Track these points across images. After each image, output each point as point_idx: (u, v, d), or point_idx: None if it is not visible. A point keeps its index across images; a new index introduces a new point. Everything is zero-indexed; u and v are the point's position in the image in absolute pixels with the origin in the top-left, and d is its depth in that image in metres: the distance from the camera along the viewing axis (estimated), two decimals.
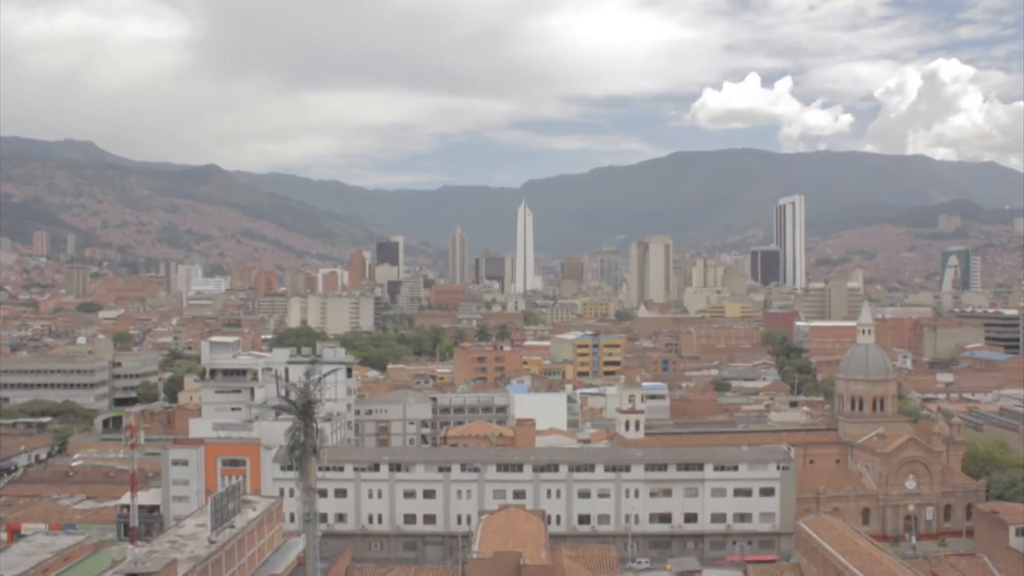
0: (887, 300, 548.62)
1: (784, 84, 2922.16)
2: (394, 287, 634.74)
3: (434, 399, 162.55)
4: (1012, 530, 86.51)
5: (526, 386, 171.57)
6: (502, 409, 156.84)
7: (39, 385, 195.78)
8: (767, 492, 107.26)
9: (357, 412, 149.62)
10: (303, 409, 59.51)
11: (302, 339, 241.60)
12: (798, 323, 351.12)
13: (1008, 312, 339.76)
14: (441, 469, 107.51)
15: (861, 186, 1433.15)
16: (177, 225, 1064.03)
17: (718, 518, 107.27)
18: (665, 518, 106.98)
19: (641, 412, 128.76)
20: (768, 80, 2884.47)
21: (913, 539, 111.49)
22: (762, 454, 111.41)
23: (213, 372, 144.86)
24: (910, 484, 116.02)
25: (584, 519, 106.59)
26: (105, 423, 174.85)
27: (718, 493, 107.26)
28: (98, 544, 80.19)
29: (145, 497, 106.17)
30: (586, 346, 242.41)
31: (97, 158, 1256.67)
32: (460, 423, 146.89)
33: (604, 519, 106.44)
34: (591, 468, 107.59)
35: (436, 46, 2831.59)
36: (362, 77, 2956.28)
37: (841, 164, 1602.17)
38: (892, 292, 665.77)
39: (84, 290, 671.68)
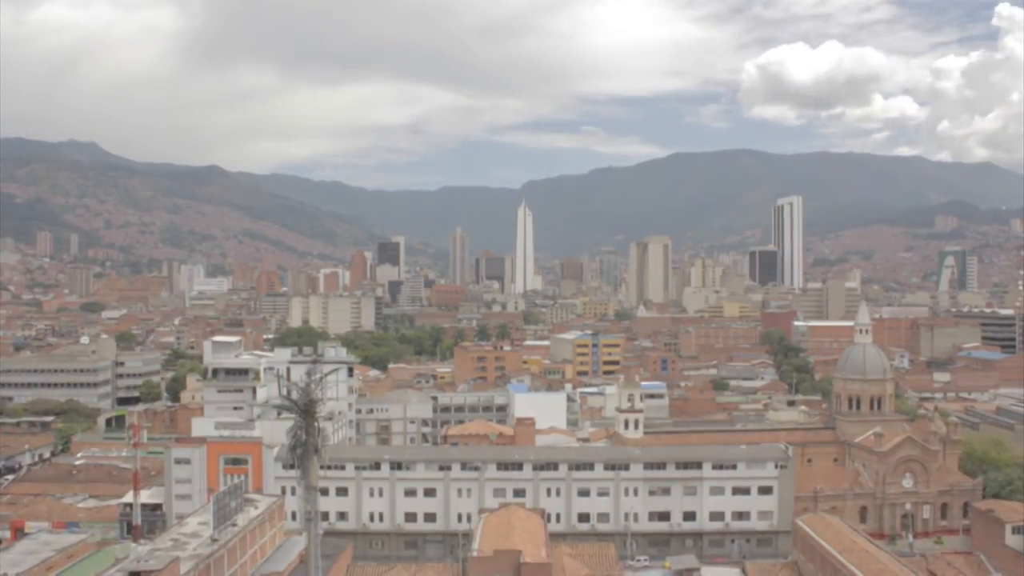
0: (884, 300, 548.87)
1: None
2: (395, 287, 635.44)
3: (435, 398, 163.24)
4: (1008, 528, 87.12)
5: (526, 385, 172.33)
6: (502, 408, 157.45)
7: (43, 384, 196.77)
8: (765, 491, 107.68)
9: (358, 411, 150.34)
10: (305, 408, 59.87)
11: (304, 339, 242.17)
12: (796, 323, 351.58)
13: (1004, 312, 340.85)
14: (441, 468, 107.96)
15: (859, 187, 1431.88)
16: (180, 225, 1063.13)
17: (716, 516, 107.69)
18: (664, 516, 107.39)
19: (640, 411, 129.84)
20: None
21: (910, 537, 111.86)
22: (760, 453, 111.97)
23: (215, 371, 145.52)
24: (907, 483, 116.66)
25: (583, 517, 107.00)
26: (108, 422, 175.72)
27: (716, 492, 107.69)
28: (101, 542, 79.88)
29: (148, 495, 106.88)
30: (586, 346, 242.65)
31: (100, 159, 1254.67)
32: (460, 422, 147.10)
33: (603, 517, 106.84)
34: (590, 467, 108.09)
35: (436, 45, 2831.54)
36: (362, 76, 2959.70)
37: (839, 165, 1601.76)
38: (889, 292, 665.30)
39: (87, 290, 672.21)
